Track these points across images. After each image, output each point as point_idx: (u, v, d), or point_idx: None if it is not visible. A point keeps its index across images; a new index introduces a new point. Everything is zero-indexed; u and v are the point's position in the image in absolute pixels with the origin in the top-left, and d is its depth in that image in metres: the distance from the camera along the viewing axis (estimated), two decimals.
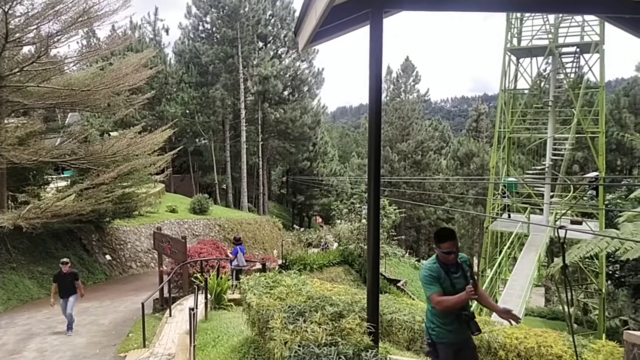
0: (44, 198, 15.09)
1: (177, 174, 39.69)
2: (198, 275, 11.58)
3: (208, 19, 38.95)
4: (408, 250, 42.17)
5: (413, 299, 20.04)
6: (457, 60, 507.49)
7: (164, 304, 11.78)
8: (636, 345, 4.79)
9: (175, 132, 29.25)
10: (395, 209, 28.14)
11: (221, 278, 10.82)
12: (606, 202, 22.08)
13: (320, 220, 46.41)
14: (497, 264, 17.18)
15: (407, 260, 36.37)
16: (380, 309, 7.80)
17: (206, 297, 9.87)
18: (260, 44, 40.21)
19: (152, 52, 22.72)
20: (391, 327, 7.35)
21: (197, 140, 39.28)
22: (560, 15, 19.13)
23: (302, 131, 40.25)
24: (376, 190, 3.40)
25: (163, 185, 28.48)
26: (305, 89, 41.74)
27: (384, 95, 50.05)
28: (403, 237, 41.13)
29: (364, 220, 25.73)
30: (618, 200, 23.83)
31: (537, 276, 16.44)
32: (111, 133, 21.11)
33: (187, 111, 36.27)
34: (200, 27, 39.78)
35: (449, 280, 3.67)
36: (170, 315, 10.13)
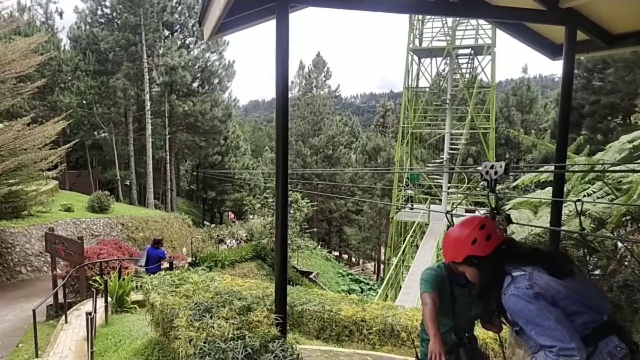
0: None
1: (73, 169, 36.60)
2: (97, 277, 10.88)
3: (108, 3, 36.14)
4: (320, 243, 43.03)
5: (324, 290, 20.56)
6: (366, 58, 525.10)
7: (58, 310, 10.90)
8: None
9: (71, 124, 26.81)
10: (307, 203, 28.58)
11: (124, 279, 10.23)
12: (496, 192, 24.34)
13: (232, 215, 45.59)
14: (401, 252, 18.24)
15: (319, 252, 37.18)
16: (291, 301, 7.95)
17: (106, 301, 9.32)
18: (167, 33, 38.23)
19: (43, 36, 20.83)
20: (302, 318, 7.52)
21: (95, 133, 36.42)
22: (457, 18, 20.68)
23: (212, 124, 39.10)
24: (284, 183, 3.41)
25: (57, 182, 26.08)
26: (216, 81, 40.52)
27: (296, 89, 50.37)
28: (315, 229, 41.88)
29: None
30: (506, 190, 26.32)
31: (436, 261, 17.67)
32: None
33: (84, 102, 33.43)
34: (99, 12, 36.78)
35: (448, 289, 2.84)
36: (66, 322, 9.40)
